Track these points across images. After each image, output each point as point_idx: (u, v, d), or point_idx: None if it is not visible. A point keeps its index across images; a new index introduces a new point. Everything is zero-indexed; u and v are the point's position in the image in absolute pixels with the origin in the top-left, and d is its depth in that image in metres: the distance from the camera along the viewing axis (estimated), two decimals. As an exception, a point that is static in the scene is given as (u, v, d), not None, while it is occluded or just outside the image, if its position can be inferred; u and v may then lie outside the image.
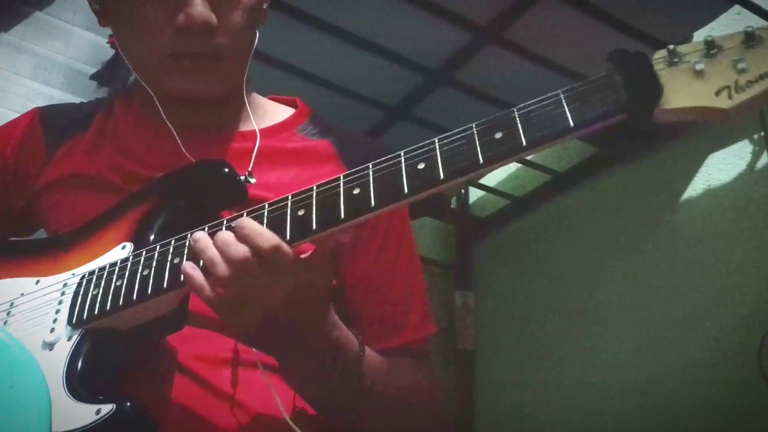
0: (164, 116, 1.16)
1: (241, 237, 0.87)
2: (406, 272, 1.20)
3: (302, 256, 0.94)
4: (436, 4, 2.39)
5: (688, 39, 2.63)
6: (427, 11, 2.41)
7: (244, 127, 1.20)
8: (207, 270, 0.88)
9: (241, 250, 0.86)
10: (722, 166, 2.69)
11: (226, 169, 1.05)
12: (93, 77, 3.22)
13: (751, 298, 2.48)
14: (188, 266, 0.90)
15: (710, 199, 2.69)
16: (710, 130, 2.68)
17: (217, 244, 0.88)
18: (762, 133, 2.56)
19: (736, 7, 2.48)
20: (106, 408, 0.89)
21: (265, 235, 0.87)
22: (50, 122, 1.25)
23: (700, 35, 2.64)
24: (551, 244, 3.17)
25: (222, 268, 0.87)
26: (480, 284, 3.40)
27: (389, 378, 1.08)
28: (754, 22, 2.46)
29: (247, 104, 1.20)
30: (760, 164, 2.59)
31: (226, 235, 0.88)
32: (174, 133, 1.16)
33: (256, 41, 1.18)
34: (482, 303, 3.36)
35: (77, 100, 2.91)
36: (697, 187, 2.75)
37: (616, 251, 2.92)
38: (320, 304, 0.94)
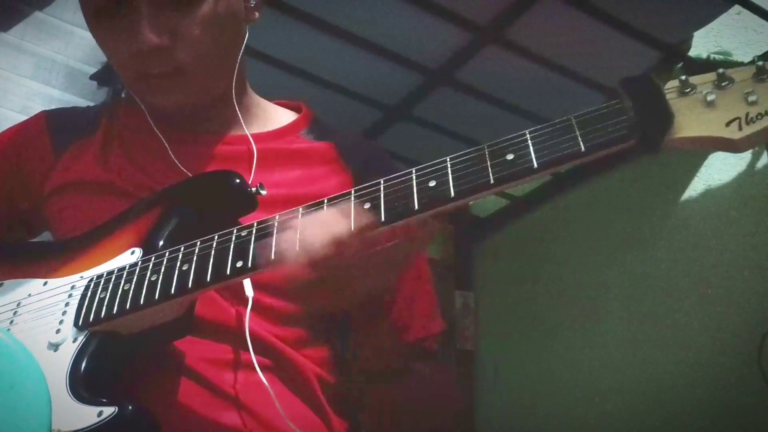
0: (155, 127, 1.18)
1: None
2: (410, 272, 1.20)
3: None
4: (436, 4, 2.39)
5: (688, 39, 2.64)
6: (427, 11, 2.41)
7: (236, 132, 1.20)
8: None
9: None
10: (722, 166, 2.69)
11: (237, 180, 1.06)
12: (93, 77, 3.21)
13: (751, 298, 2.48)
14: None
15: (710, 199, 2.70)
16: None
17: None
18: (762, 133, 2.56)
19: (736, 7, 2.48)
20: (109, 410, 0.89)
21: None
22: (57, 126, 1.26)
23: (700, 35, 2.64)
24: (551, 244, 3.17)
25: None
26: (480, 284, 3.40)
27: None
28: (754, 22, 2.47)
29: (237, 109, 1.20)
30: (760, 164, 2.59)
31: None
32: (163, 141, 1.17)
33: (243, 43, 1.18)
34: (482, 303, 3.36)
35: (77, 100, 2.91)
36: (697, 187, 2.75)
37: (616, 251, 2.92)
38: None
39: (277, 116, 1.26)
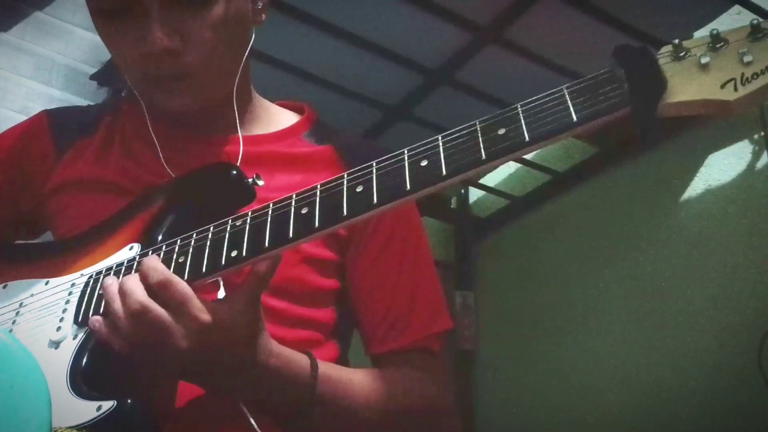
0: (150, 126, 1.18)
1: (140, 273, 0.91)
2: (410, 270, 1.19)
3: (219, 297, 0.95)
4: (436, 4, 2.39)
5: (688, 39, 2.64)
6: (427, 11, 2.41)
7: (237, 134, 1.20)
8: (112, 321, 0.92)
9: (134, 302, 0.89)
10: (722, 166, 2.69)
11: (234, 172, 1.06)
12: (93, 77, 3.22)
13: (751, 298, 2.48)
14: (95, 321, 0.94)
15: (710, 199, 2.69)
16: (710, 129, 2.68)
17: (120, 293, 0.91)
18: (762, 133, 2.56)
19: (736, 7, 2.48)
20: (107, 404, 0.89)
21: (158, 270, 0.91)
22: (59, 125, 1.26)
23: (700, 35, 2.64)
24: (551, 244, 3.17)
25: (123, 322, 0.90)
26: (480, 284, 3.40)
27: (376, 391, 1.07)
28: (754, 22, 2.46)
29: (235, 110, 1.19)
30: (760, 164, 2.59)
31: (130, 284, 0.91)
32: (156, 143, 1.17)
33: (249, 45, 1.18)
34: (482, 303, 3.35)
35: (77, 100, 2.91)
36: (697, 187, 2.75)
37: (616, 251, 2.92)
38: (244, 342, 0.93)
39: (279, 118, 1.26)
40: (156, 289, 0.90)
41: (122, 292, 0.91)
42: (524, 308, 3.16)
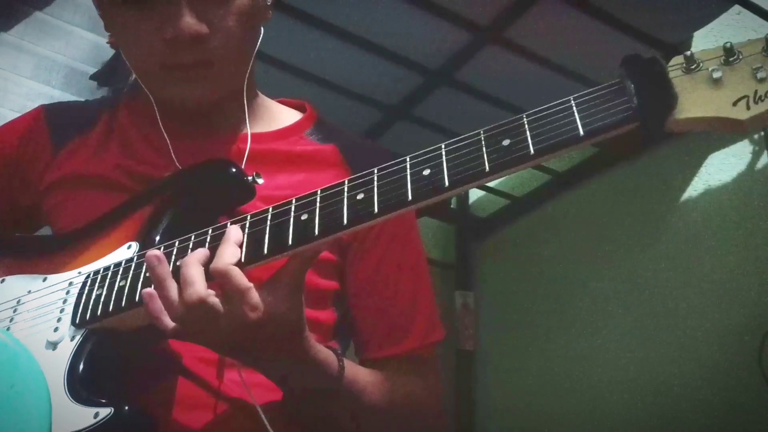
0: (160, 122, 1.17)
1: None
2: (410, 277, 1.19)
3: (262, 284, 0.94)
4: (436, 4, 2.39)
5: (688, 39, 2.64)
6: (427, 11, 2.41)
7: (241, 131, 1.20)
8: (162, 297, 0.90)
9: (193, 292, 0.87)
10: (722, 166, 2.69)
11: (233, 169, 1.05)
12: (93, 77, 3.22)
13: (751, 298, 2.48)
14: (148, 295, 0.91)
15: (710, 199, 2.69)
16: (710, 130, 2.68)
17: (183, 283, 0.89)
18: (762, 133, 2.56)
19: (736, 7, 2.47)
20: (105, 411, 0.89)
21: (223, 258, 0.89)
22: (56, 120, 1.25)
23: (700, 35, 2.64)
24: (551, 244, 3.17)
25: (176, 306, 0.88)
26: (480, 284, 3.40)
27: (382, 394, 1.08)
28: (754, 22, 2.46)
29: (245, 107, 1.19)
30: (760, 164, 2.59)
31: (191, 272, 0.89)
32: (166, 137, 1.16)
33: (259, 41, 1.18)
34: (482, 303, 3.35)
35: (78, 100, 2.90)
36: (697, 187, 2.74)
37: (615, 251, 2.92)
38: (291, 337, 0.93)
39: (281, 115, 1.26)
40: (217, 278, 0.88)
41: (184, 281, 0.88)
42: (524, 308, 3.16)
